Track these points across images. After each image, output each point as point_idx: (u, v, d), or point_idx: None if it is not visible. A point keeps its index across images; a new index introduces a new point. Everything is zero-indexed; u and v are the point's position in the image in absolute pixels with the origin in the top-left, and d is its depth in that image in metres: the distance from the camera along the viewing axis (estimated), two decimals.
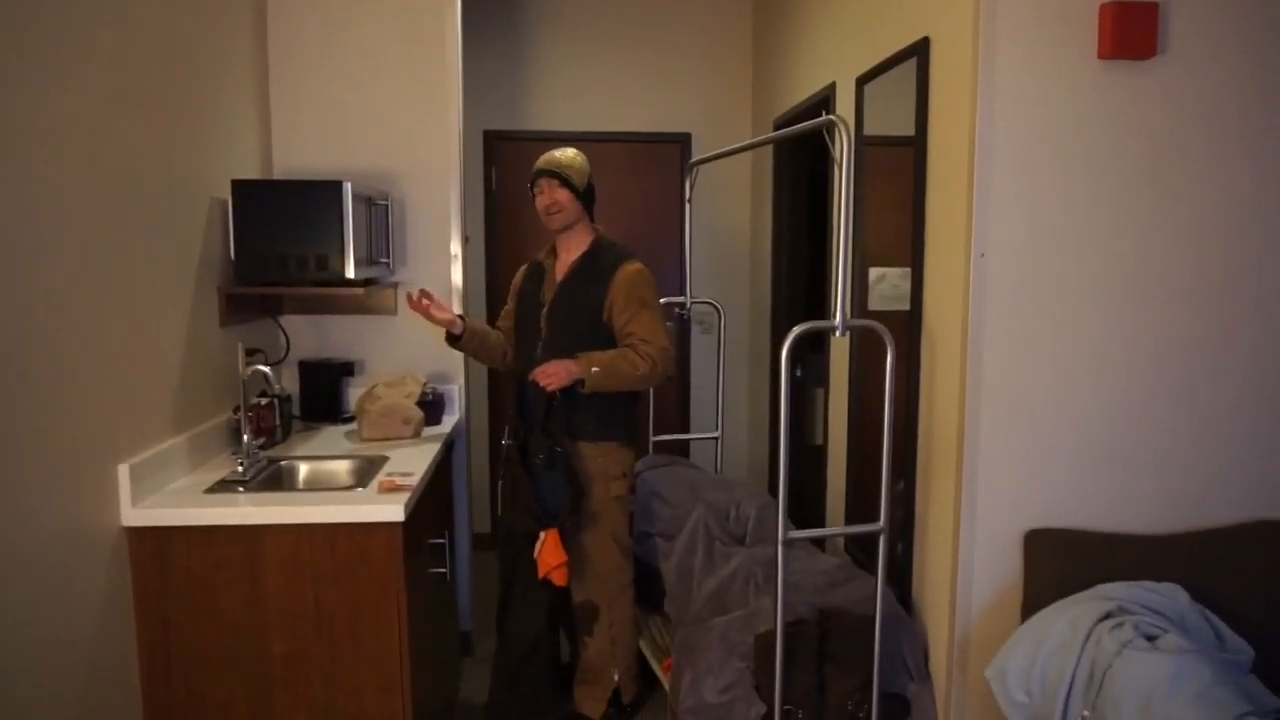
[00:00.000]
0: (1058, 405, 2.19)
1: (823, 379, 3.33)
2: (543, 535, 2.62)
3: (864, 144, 2.82)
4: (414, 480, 2.33)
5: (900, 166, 2.52)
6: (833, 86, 3.16)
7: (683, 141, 4.50)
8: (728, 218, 4.57)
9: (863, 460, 2.88)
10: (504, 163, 4.44)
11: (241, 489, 2.26)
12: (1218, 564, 2.11)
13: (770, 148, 4.05)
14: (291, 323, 3.18)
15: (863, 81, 2.81)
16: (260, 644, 2.13)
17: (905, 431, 2.43)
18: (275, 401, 2.75)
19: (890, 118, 2.64)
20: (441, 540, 2.73)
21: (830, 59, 3.23)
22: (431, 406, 3.03)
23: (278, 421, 2.77)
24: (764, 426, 4.28)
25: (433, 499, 2.66)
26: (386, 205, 3.05)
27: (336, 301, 3.17)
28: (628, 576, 2.79)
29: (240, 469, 2.36)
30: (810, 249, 3.98)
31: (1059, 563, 2.13)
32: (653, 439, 3.64)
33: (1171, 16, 2.10)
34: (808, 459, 3.77)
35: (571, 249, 2.75)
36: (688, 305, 3.71)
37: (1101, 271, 2.17)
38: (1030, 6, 2.08)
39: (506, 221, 4.47)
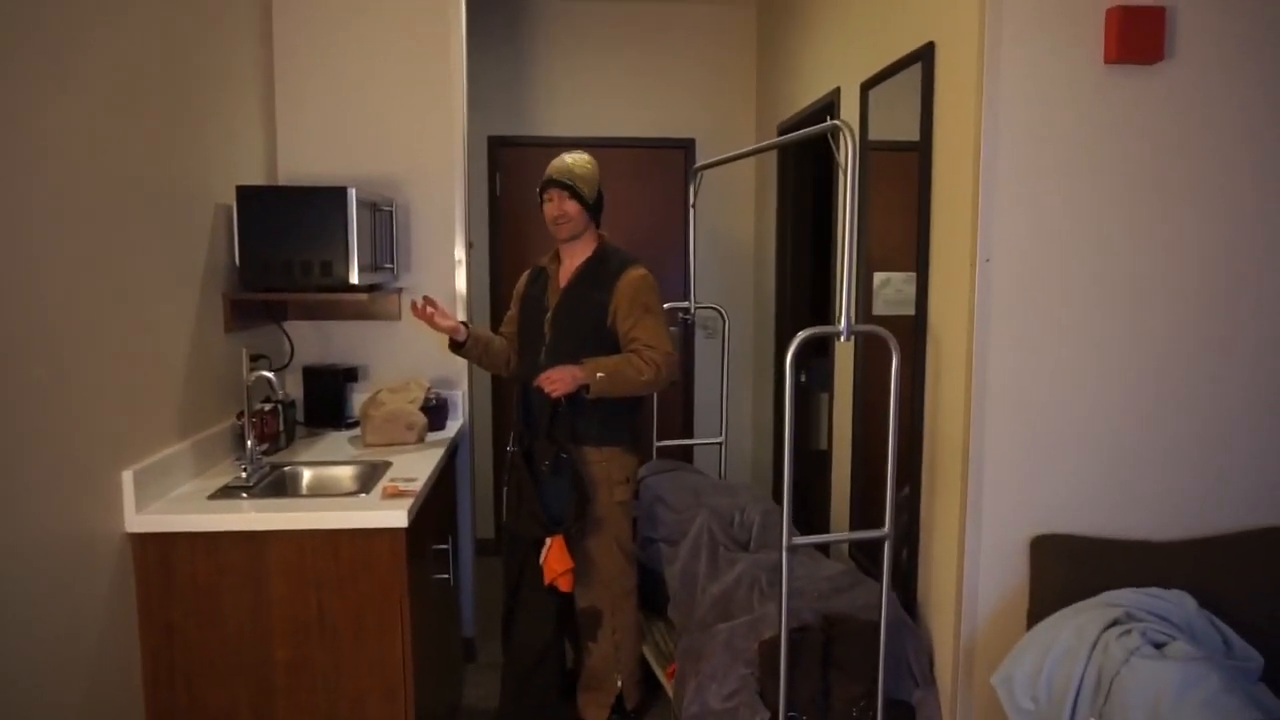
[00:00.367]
0: (1063, 411, 2.18)
1: (827, 384, 3.32)
2: (548, 541, 2.62)
3: (868, 149, 2.82)
4: (417, 486, 2.33)
5: (905, 172, 2.51)
6: (837, 92, 3.16)
7: (687, 147, 4.50)
8: (732, 223, 4.56)
9: (867, 466, 2.87)
10: (508, 168, 4.45)
11: (245, 495, 2.26)
12: (1225, 570, 2.10)
13: (774, 153, 4.05)
14: (296, 328, 3.18)
15: (867, 87, 2.81)
16: (263, 650, 2.12)
17: (910, 437, 2.42)
18: (279, 407, 2.75)
19: (895, 123, 2.64)
20: (445, 546, 2.73)
21: (834, 64, 3.23)
22: (435, 412, 3.02)
23: (281, 427, 2.77)
24: (768, 431, 4.28)
25: (436, 505, 2.65)
26: (391, 211, 3.05)
27: (340, 307, 3.18)
28: (631, 582, 2.78)
29: (244, 475, 2.36)
30: (814, 254, 3.97)
31: (1065, 569, 2.12)
32: (656, 444, 3.63)
33: (1179, 21, 2.10)
34: (812, 464, 3.76)
35: (576, 255, 2.75)
36: (692, 310, 3.70)
37: (1107, 277, 2.16)
38: (1036, 11, 2.08)
39: (510, 227, 4.48)
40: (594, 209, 2.72)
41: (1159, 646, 1.79)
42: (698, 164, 3.55)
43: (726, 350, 3.69)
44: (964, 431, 2.19)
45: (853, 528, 2.96)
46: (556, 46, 4.40)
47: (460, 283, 3.26)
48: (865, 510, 2.89)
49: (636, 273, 2.67)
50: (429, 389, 3.05)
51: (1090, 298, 2.16)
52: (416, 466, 2.54)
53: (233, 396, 2.64)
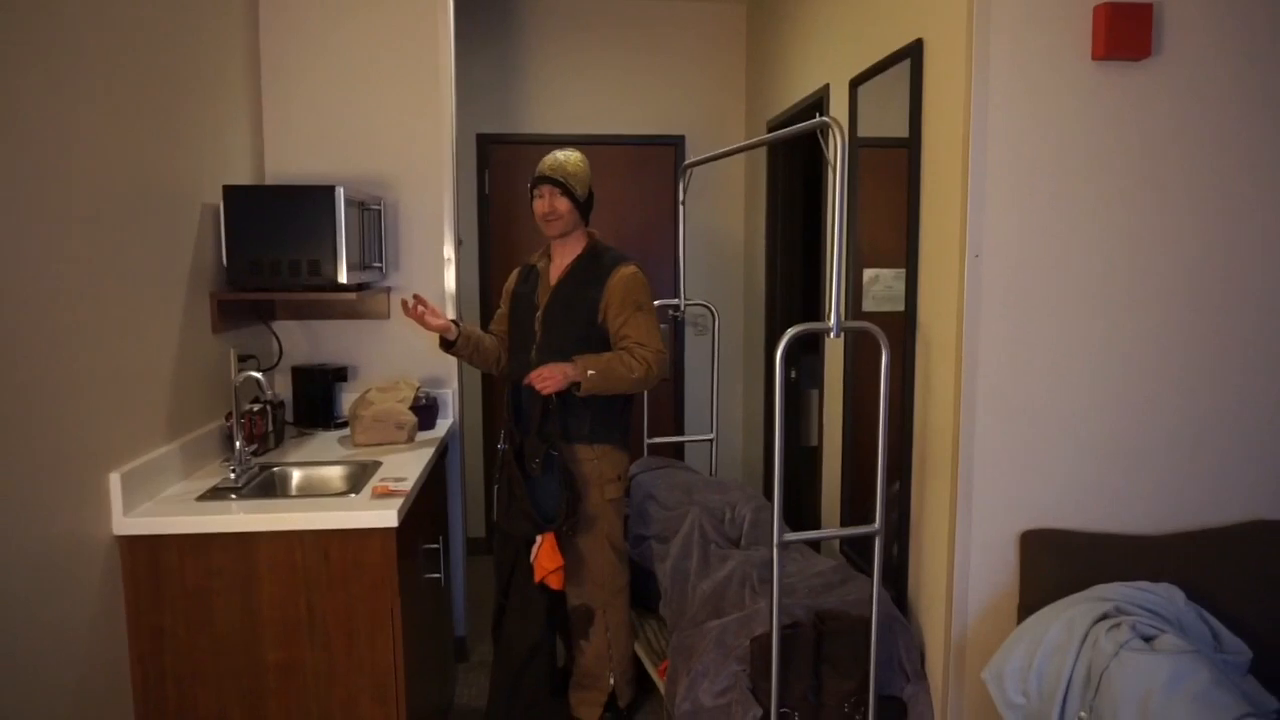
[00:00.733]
0: (1053, 406, 2.19)
1: (817, 380, 3.33)
2: (539, 539, 2.61)
3: (858, 146, 2.82)
4: (408, 485, 2.32)
5: (894, 168, 2.52)
6: (826, 89, 3.16)
7: (676, 144, 4.50)
8: (721, 220, 4.56)
9: (858, 462, 2.88)
10: (497, 166, 4.43)
11: (234, 496, 2.24)
12: (1214, 564, 2.11)
13: (764, 150, 4.05)
14: (284, 328, 3.16)
15: (856, 83, 2.81)
16: (253, 653, 2.11)
17: (900, 433, 2.43)
18: (268, 407, 2.73)
19: (884, 120, 2.64)
20: (436, 545, 2.72)
21: (824, 61, 3.23)
22: (425, 411, 3.01)
23: (270, 428, 2.75)
24: (758, 428, 4.28)
25: (427, 504, 2.64)
26: (379, 210, 3.04)
27: (329, 306, 3.16)
28: (623, 580, 2.78)
29: (233, 476, 2.35)
30: (804, 251, 3.98)
31: (1055, 564, 2.13)
32: (647, 441, 3.63)
33: (1166, 17, 2.11)
34: (803, 461, 3.77)
35: (566, 252, 2.74)
36: (682, 307, 3.70)
37: (1096, 272, 2.17)
38: (1024, 7, 2.08)
39: (500, 225, 4.47)
40: (584, 207, 2.71)
41: (1148, 640, 1.81)
42: (687, 161, 3.55)
43: (717, 347, 3.70)
44: (954, 427, 2.19)
45: (843, 524, 2.97)
46: (545, 43, 4.38)
47: (449, 281, 3.25)
48: (856, 506, 2.89)
49: (627, 270, 2.67)
50: (419, 388, 3.04)
51: (1079, 293, 2.17)
52: (407, 466, 2.54)
53: (221, 397, 2.63)
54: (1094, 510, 2.22)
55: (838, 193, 2.09)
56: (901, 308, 2.46)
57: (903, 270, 2.46)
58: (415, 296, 2.64)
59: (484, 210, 4.44)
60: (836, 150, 2.09)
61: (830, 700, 2.19)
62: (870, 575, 2.21)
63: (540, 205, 2.68)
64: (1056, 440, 2.20)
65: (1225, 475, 2.24)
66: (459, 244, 3.34)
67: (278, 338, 3.13)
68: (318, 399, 3.08)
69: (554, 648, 2.85)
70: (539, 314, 2.71)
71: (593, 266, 2.69)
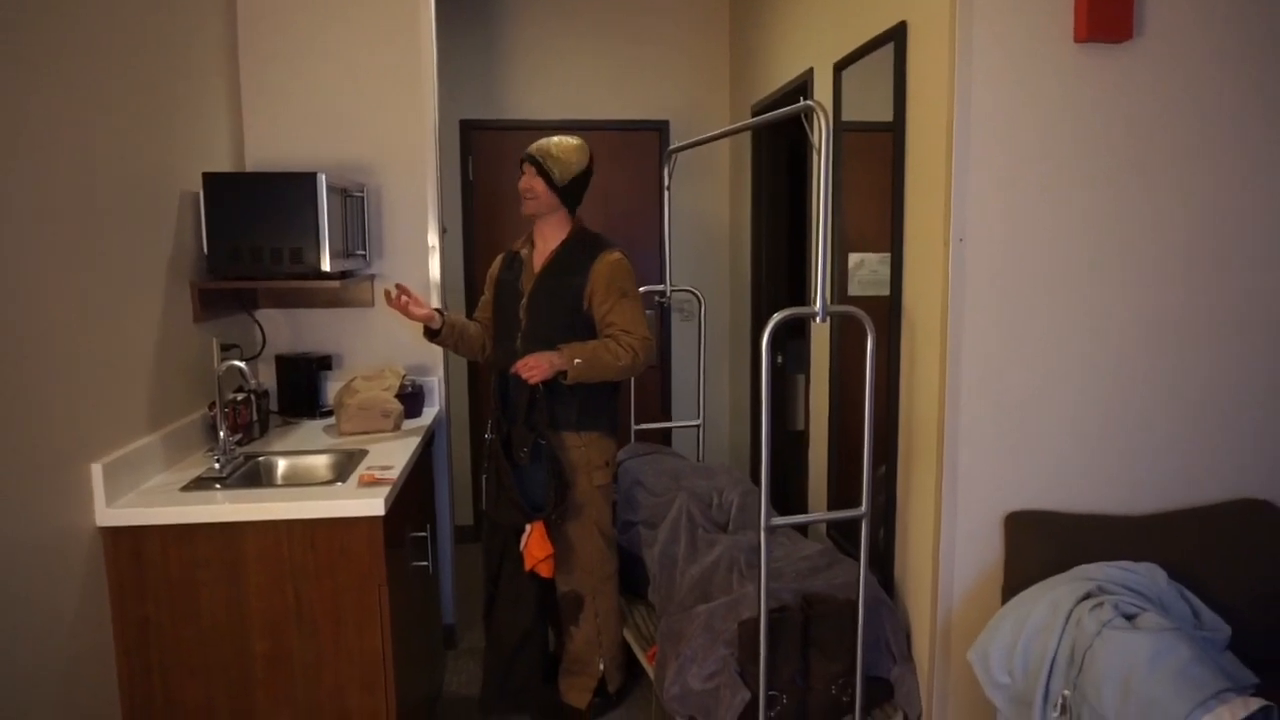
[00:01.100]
0: (1038, 388, 2.20)
1: (803, 365, 3.33)
2: (529, 528, 2.61)
3: (842, 130, 2.82)
4: (394, 474, 2.31)
5: (879, 152, 2.52)
6: (810, 72, 3.15)
7: (660, 129, 4.48)
8: (707, 205, 4.56)
9: (844, 446, 2.89)
10: (481, 152, 4.40)
11: (219, 486, 2.23)
12: (1195, 543, 2.14)
13: (748, 134, 4.04)
14: (267, 317, 3.14)
15: (840, 67, 2.81)
16: (240, 643, 2.11)
17: (886, 416, 2.44)
18: (252, 397, 2.71)
19: (868, 103, 2.64)
20: (423, 533, 2.71)
21: (807, 45, 3.22)
22: (411, 399, 3.00)
23: (255, 417, 2.73)
24: (745, 413, 4.29)
25: (414, 492, 2.64)
26: (362, 197, 3.01)
27: (312, 295, 3.13)
28: (612, 566, 2.79)
29: (217, 466, 2.33)
30: (790, 235, 3.98)
31: (1040, 544, 2.15)
32: (634, 428, 3.63)
33: None
34: (789, 445, 3.79)
35: (550, 238, 2.73)
36: (668, 293, 3.70)
37: (1080, 254, 2.18)
38: None
39: (484, 212, 4.44)
40: (564, 193, 2.68)
41: (1130, 618, 1.83)
42: (672, 146, 3.54)
43: (703, 333, 3.69)
44: (939, 410, 2.20)
45: (830, 508, 2.98)
46: (528, 28, 4.35)
47: (434, 268, 3.23)
48: (843, 490, 2.91)
49: (612, 256, 2.66)
50: (404, 376, 3.03)
51: (1063, 276, 2.18)
52: (393, 454, 2.53)
53: (204, 387, 2.61)
54: (1078, 491, 2.24)
55: (822, 177, 2.09)
56: (886, 292, 2.47)
57: (888, 254, 2.46)
58: (398, 286, 2.62)
59: (468, 197, 4.41)
60: (821, 134, 2.09)
61: (818, 683, 2.21)
62: (857, 558, 2.22)
63: (521, 182, 2.68)
64: (1041, 422, 2.21)
65: (1209, 455, 2.26)
66: (443, 231, 3.32)
67: (261, 326, 3.11)
68: (302, 388, 3.06)
69: (545, 635, 2.86)
70: (524, 301, 2.69)
71: (577, 253, 2.68)
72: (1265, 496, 2.27)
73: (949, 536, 2.22)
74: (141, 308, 2.27)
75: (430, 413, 3.12)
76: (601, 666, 2.80)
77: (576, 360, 2.51)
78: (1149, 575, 1.99)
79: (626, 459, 3.24)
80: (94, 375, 2.01)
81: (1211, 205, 2.19)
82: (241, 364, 2.42)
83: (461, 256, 4.41)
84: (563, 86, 4.40)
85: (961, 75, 2.09)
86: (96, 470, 1.98)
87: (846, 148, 2.82)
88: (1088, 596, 1.90)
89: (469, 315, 2.97)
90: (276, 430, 2.91)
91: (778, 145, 3.92)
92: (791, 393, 3.99)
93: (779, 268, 4.00)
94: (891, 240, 2.43)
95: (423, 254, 3.22)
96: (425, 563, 2.69)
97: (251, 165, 3.07)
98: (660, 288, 3.68)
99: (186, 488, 2.19)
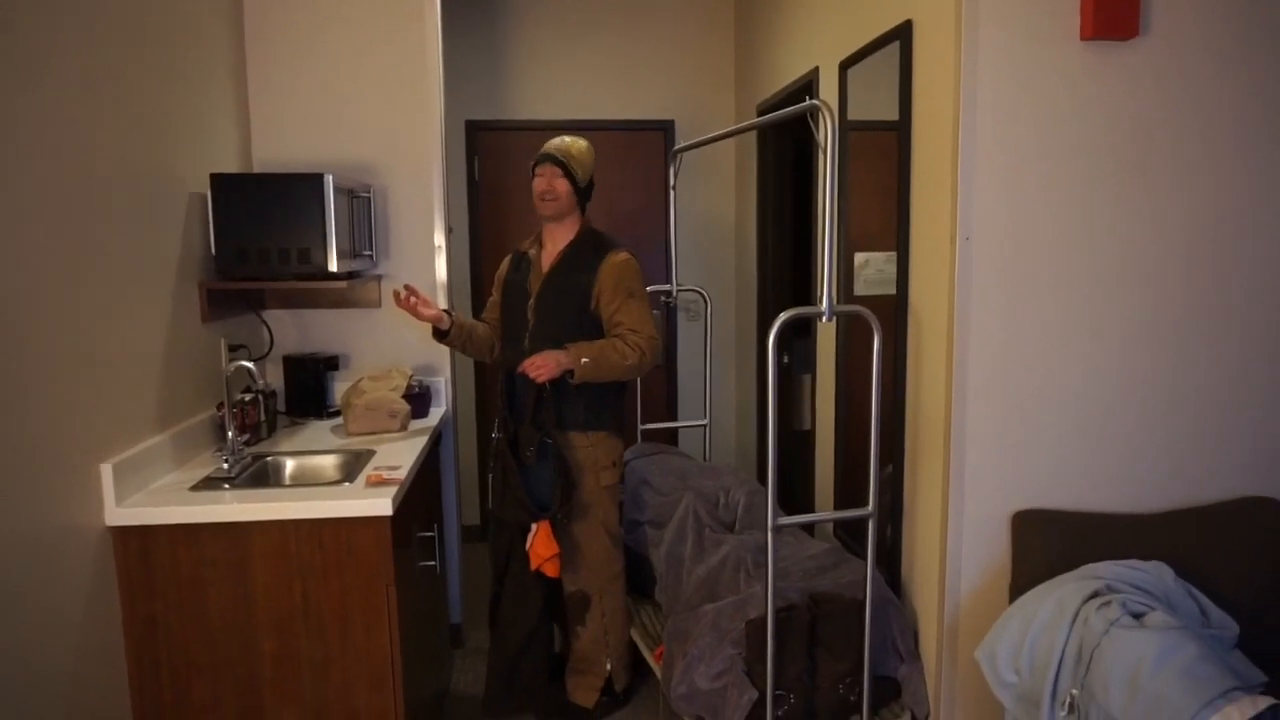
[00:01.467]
0: (1044, 387, 2.20)
1: (810, 365, 3.33)
2: (535, 527, 2.62)
3: (848, 129, 2.82)
4: (401, 474, 2.32)
5: (884, 151, 2.51)
6: (816, 71, 3.15)
7: (666, 129, 4.48)
8: (712, 205, 4.56)
9: (851, 445, 2.89)
10: (487, 153, 4.41)
11: (227, 486, 2.24)
12: (1202, 542, 2.13)
13: (754, 134, 4.04)
14: (274, 317, 3.15)
15: (845, 66, 2.81)
16: (249, 642, 2.11)
17: (893, 416, 2.44)
18: (259, 397, 2.72)
19: (873, 102, 2.64)
20: (431, 533, 2.72)
21: (813, 44, 3.22)
22: (418, 399, 3.01)
23: (262, 417, 2.75)
24: (751, 413, 4.29)
25: (421, 492, 2.64)
26: (369, 197, 3.02)
27: (319, 295, 3.14)
28: (619, 565, 2.79)
29: (225, 466, 2.34)
30: (795, 235, 3.98)
31: (1047, 543, 2.14)
32: (640, 428, 3.63)
33: None
34: (796, 445, 3.78)
35: (559, 239, 2.74)
36: (674, 293, 3.70)
37: (1086, 253, 2.17)
38: None
39: (490, 212, 4.45)
40: (583, 193, 2.71)
41: (1138, 617, 1.82)
42: (677, 146, 3.54)
43: (709, 333, 3.70)
44: (945, 409, 2.20)
45: (837, 507, 2.98)
46: (534, 29, 4.36)
47: (440, 269, 3.24)
48: (849, 489, 2.90)
49: (620, 257, 2.66)
50: (411, 376, 3.04)
51: (1069, 275, 2.17)
52: (400, 454, 2.53)
53: (212, 387, 2.62)
54: (1085, 490, 2.23)
55: (828, 176, 2.09)
56: (893, 291, 2.47)
57: (894, 253, 2.46)
58: (407, 287, 2.63)
59: (474, 197, 4.42)
60: (827, 133, 2.09)
61: (825, 682, 2.21)
62: (864, 558, 2.22)
63: (539, 183, 2.67)
64: (1047, 421, 2.21)
65: (1214, 453, 2.26)
66: (449, 231, 3.33)
67: (268, 327, 3.12)
68: (309, 388, 3.07)
69: (550, 634, 2.87)
70: (531, 301, 2.70)
71: (585, 253, 2.69)
72: (1270, 494, 2.26)
73: (956, 535, 2.22)
74: (150, 308, 2.28)
75: (437, 413, 3.12)
76: (608, 666, 2.80)
77: (584, 359, 2.51)
78: (1156, 574, 1.99)
79: (633, 459, 3.24)
80: (103, 375, 2.02)
81: (1217, 204, 2.19)
82: (249, 364, 2.43)
83: (467, 256, 4.42)
84: (568, 87, 4.41)
85: (967, 73, 2.09)
86: (106, 470, 1.99)
87: (852, 147, 2.82)
88: (1095, 595, 1.89)
89: (476, 315, 2.97)
90: (284, 430, 2.92)
91: (783, 145, 3.92)
92: (798, 392, 3.98)
93: (784, 267, 4.00)
94: (897, 239, 2.43)
95: (429, 254, 3.22)
96: (432, 562, 2.70)
97: (258, 166, 3.09)
98: (666, 288, 3.68)
99: (195, 487, 2.20)
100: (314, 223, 2.63)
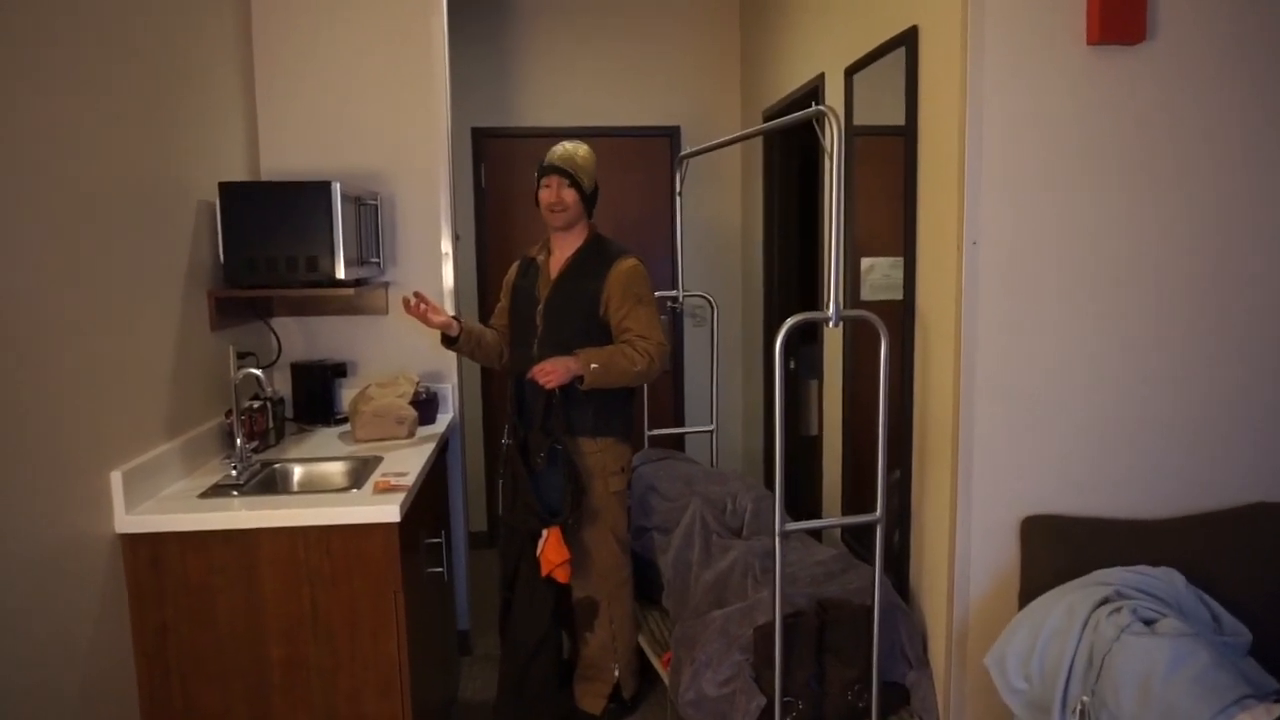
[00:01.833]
0: (1053, 392, 2.19)
1: (816, 370, 3.33)
2: (545, 533, 2.62)
3: (853, 134, 2.82)
4: (409, 480, 2.32)
5: (890, 156, 2.51)
6: (821, 77, 3.15)
7: (672, 135, 4.49)
8: (718, 210, 4.56)
9: (858, 451, 2.88)
10: (493, 160, 4.43)
11: (236, 493, 2.25)
12: (1214, 548, 2.12)
13: (760, 139, 4.04)
14: (282, 325, 3.16)
15: (851, 72, 2.81)
16: (258, 649, 2.12)
17: (900, 421, 2.43)
18: (268, 404, 2.73)
19: (879, 107, 2.64)
20: (438, 540, 2.72)
21: (818, 49, 3.22)
22: (425, 406, 3.02)
23: (270, 424, 2.76)
24: (758, 419, 4.28)
25: (428, 498, 2.65)
26: (376, 205, 3.03)
27: (327, 302, 3.16)
28: (627, 571, 2.79)
29: (234, 473, 2.35)
30: (801, 240, 3.98)
31: (1056, 549, 2.13)
32: (648, 433, 3.63)
33: (1160, 1, 2.10)
34: (803, 450, 3.78)
35: (566, 245, 2.74)
36: (680, 299, 3.70)
37: (1094, 257, 2.17)
38: None
39: (496, 219, 4.46)
40: (590, 200, 2.72)
41: (1149, 623, 1.81)
42: (683, 152, 3.54)
43: (716, 338, 3.70)
44: (953, 414, 2.20)
45: (844, 512, 2.97)
46: (539, 36, 4.37)
47: (447, 275, 3.25)
48: (857, 495, 2.90)
49: (628, 263, 2.67)
50: (418, 383, 3.04)
51: (1078, 278, 2.17)
52: (408, 461, 2.54)
53: (220, 394, 2.63)
54: (1094, 495, 2.22)
55: (834, 181, 2.09)
56: (899, 296, 2.46)
57: (900, 259, 2.46)
58: (416, 294, 2.64)
59: (480, 204, 4.43)
60: (833, 139, 2.09)
61: (833, 688, 2.20)
62: (871, 563, 2.22)
63: (547, 195, 2.67)
64: (1056, 426, 2.20)
65: (1224, 458, 2.24)
66: (456, 238, 3.34)
67: (276, 334, 3.13)
68: (317, 395, 3.08)
69: (560, 640, 2.87)
70: (540, 307, 2.70)
71: (593, 259, 2.69)
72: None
73: (964, 541, 2.21)
74: (159, 317, 2.29)
75: (444, 419, 3.13)
76: (616, 672, 2.80)
77: (593, 365, 2.52)
78: (1167, 580, 1.97)
79: (640, 465, 3.24)
80: (113, 383, 2.03)
81: (1224, 208, 2.18)
82: (258, 372, 2.43)
83: (474, 263, 4.43)
84: (574, 93, 4.42)
85: (973, 78, 2.09)
86: (116, 478, 2.00)
87: (858, 152, 2.82)
88: (1105, 601, 1.88)
89: (483, 322, 2.98)
90: (292, 437, 2.92)
91: (789, 150, 3.92)
92: (805, 398, 3.98)
93: (791, 272, 4.00)
94: (904, 244, 2.43)
95: (436, 261, 3.23)
96: (440, 569, 2.70)
97: (266, 175, 3.10)
98: (673, 293, 3.68)
99: (204, 495, 2.21)
100: (321, 230, 2.64)
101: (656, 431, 3.69)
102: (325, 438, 2.92)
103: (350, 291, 2.78)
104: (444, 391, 3.22)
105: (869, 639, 2.17)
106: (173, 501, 2.16)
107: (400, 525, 2.15)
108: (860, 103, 2.79)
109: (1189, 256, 2.19)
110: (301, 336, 3.19)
